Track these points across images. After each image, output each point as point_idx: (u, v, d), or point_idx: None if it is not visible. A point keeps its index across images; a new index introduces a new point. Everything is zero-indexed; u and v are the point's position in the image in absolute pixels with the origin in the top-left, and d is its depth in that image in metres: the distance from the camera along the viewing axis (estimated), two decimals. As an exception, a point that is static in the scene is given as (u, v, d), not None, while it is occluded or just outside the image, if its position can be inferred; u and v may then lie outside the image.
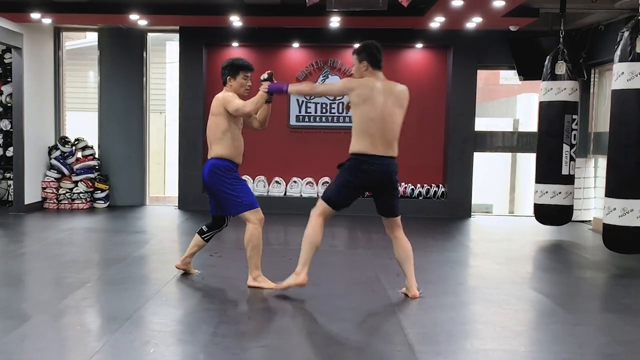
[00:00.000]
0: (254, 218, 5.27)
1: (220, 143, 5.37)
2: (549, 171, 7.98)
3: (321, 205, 4.98)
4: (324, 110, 10.04)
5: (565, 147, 7.88)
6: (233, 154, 5.32)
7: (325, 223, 4.99)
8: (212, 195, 5.44)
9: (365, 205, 9.67)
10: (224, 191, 5.25)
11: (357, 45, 5.05)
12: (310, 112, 10.08)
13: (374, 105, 4.84)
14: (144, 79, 10.32)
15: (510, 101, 13.74)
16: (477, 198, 10.25)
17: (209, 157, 5.38)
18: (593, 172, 9.51)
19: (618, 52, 6.13)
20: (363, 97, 4.83)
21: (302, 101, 10.07)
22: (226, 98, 5.32)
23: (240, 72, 5.32)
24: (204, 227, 5.72)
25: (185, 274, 5.67)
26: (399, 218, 5.04)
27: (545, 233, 8.42)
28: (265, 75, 5.25)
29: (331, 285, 5.58)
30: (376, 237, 8.10)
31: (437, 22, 8.55)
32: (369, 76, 4.94)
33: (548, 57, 7.98)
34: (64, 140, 10.07)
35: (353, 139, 4.88)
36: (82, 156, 10.16)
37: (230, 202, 5.27)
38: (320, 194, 5.15)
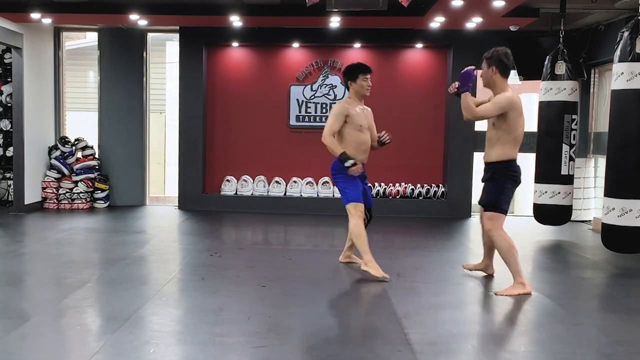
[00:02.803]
0: (354, 211, 5.70)
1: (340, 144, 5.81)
2: (549, 171, 7.98)
3: (498, 217, 5.24)
4: (324, 110, 10.04)
5: (565, 147, 7.88)
6: (351, 154, 5.71)
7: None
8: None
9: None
10: (341, 181, 5.79)
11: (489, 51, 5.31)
12: (310, 112, 10.08)
13: (522, 117, 5.24)
14: (144, 79, 10.33)
15: (510, 101, 13.72)
16: (477, 198, 10.23)
17: None
18: (593, 172, 9.51)
19: (618, 52, 6.13)
20: (519, 112, 5.18)
21: (302, 101, 10.07)
22: (332, 111, 5.85)
23: (359, 75, 5.81)
24: None
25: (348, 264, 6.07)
26: None
27: (545, 233, 8.42)
28: (350, 162, 5.65)
29: (331, 286, 5.59)
30: (376, 237, 8.10)
31: (437, 22, 8.55)
32: (500, 83, 5.20)
33: (548, 57, 7.98)
34: (64, 140, 10.07)
35: (502, 148, 5.19)
36: (82, 156, 10.17)
37: (341, 194, 5.83)
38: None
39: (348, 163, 5.60)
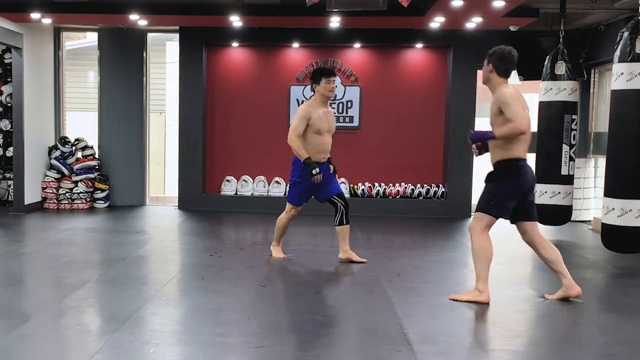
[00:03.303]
0: (289, 210, 6.28)
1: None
2: (549, 171, 7.97)
3: (482, 217, 4.95)
4: (324, 110, 10.03)
5: (565, 147, 7.87)
6: (311, 154, 6.03)
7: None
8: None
9: (364, 206, 9.72)
10: (291, 179, 6.23)
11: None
12: (310, 112, 10.06)
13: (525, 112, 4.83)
14: (144, 79, 10.32)
15: (510, 101, 13.72)
16: (477, 198, 10.22)
17: None
18: (593, 172, 9.50)
19: (617, 53, 6.13)
20: (523, 106, 4.81)
21: (302, 101, 10.05)
22: (297, 113, 6.13)
23: (322, 78, 6.04)
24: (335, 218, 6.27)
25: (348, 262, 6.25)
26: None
27: (545, 233, 8.37)
28: (316, 171, 5.95)
29: (331, 286, 5.59)
30: (376, 237, 8.11)
31: (437, 22, 8.55)
32: (495, 81, 4.94)
33: (548, 57, 7.97)
34: (64, 140, 10.07)
35: (504, 146, 4.84)
36: (82, 156, 10.17)
37: (288, 189, 6.37)
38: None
39: (314, 172, 5.90)
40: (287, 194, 6.34)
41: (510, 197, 4.87)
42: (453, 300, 4.97)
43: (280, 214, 6.39)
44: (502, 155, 4.88)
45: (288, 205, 6.31)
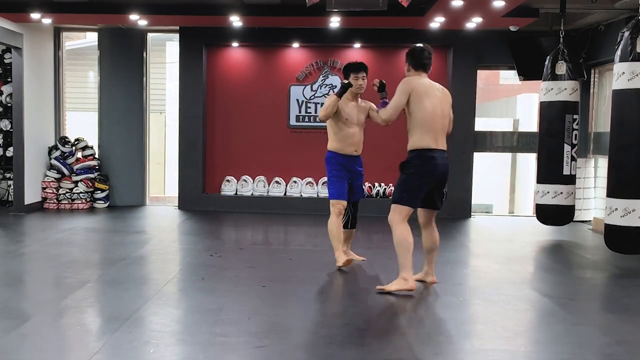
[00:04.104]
0: (333, 208, 5.89)
1: (329, 138, 6.07)
2: (550, 171, 7.97)
3: (400, 210, 5.05)
4: (324, 110, 10.02)
5: (567, 147, 7.87)
6: (338, 147, 5.99)
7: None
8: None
9: (364, 206, 9.69)
10: (327, 176, 6.08)
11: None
12: (310, 112, 10.07)
13: (425, 101, 5.19)
14: (144, 79, 10.32)
15: (510, 101, 13.74)
16: (477, 198, 10.24)
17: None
18: (593, 172, 9.50)
19: (618, 52, 6.14)
20: (419, 94, 5.23)
21: (302, 101, 10.07)
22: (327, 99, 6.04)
23: (350, 74, 5.98)
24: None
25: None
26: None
27: (545, 233, 8.42)
28: (346, 81, 5.92)
29: (331, 286, 5.59)
30: (376, 237, 8.10)
31: (437, 22, 8.55)
32: (414, 76, 5.32)
33: (548, 57, 7.97)
34: (64, 140, 10.07)
35: (411, 136, 5.18)
36: (82, 156, 10.16)
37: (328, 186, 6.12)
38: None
39: (346, 82, 5.88)
40: (328, 192, 6.07)
41: (420, 189, 5.06)
42: (380, 290, 5.05)
43: (328, 222, 5.95)
44: (411, 144, 5.17)
45: (330, 203, 5.95)
